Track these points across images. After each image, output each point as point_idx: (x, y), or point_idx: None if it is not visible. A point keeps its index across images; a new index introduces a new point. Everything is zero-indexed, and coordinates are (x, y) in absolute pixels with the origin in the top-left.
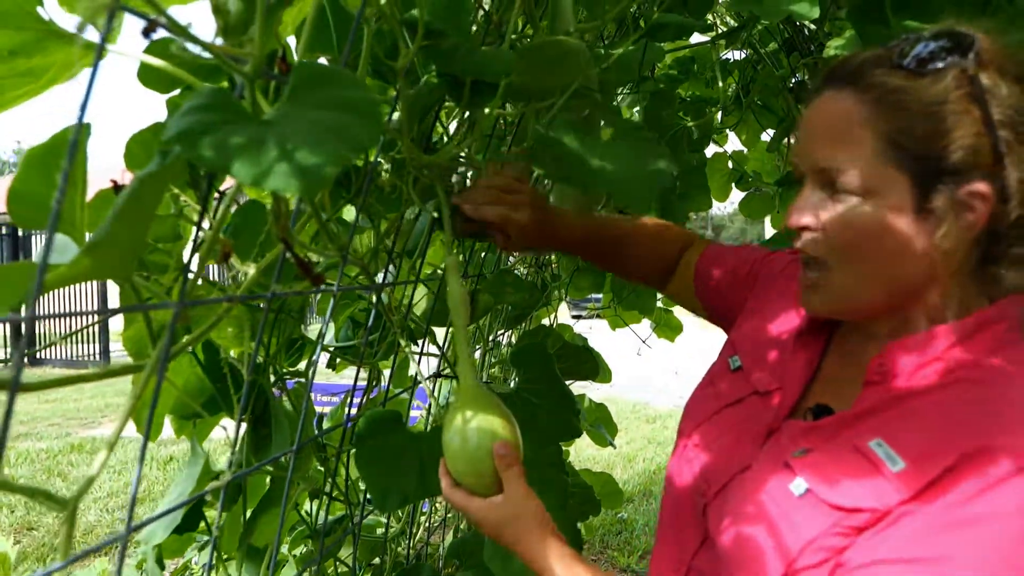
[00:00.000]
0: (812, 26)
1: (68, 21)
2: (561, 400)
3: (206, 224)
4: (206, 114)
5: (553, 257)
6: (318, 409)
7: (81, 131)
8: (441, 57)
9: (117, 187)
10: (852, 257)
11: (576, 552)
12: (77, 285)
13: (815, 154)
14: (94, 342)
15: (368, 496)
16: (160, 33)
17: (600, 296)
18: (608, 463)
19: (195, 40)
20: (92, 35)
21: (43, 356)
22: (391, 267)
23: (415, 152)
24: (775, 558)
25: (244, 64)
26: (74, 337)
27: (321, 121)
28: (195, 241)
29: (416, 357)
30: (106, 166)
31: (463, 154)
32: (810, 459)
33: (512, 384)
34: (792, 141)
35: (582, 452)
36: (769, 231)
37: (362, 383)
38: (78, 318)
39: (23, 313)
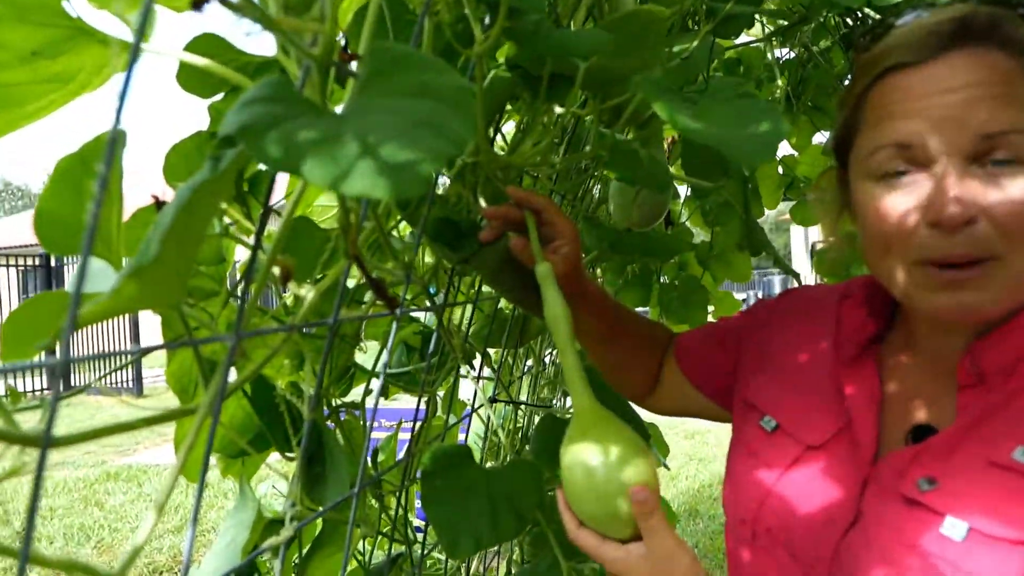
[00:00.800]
0: (875, 15)
1: (98, 17)
2: (630, 423)
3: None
4: (270, 106)
5: (599, 271)
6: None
7: (117, 138)
8: (524, 37)
9: (159, 203)
10: None
11: None
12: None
13: (977, 120)
14: (127, 367)
15: (424, 533)
16: (212, 7)
17: (647, 309)
18: None
19: (257, 13)
20: (126, 33)
21: (74, 382)
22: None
23: (491, 153)
24: None
25: (311, 47)
26: (106, 363)
27: (406, 111)
28: (249, 271)
29: (472, 381)
30: (138, 182)
31: (539, 156)
32: (946, 490)
33: (559, 406)
34: (904, 116)
35: None
36: (797, 243)
37: (412, 409)
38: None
39: (58, 351)
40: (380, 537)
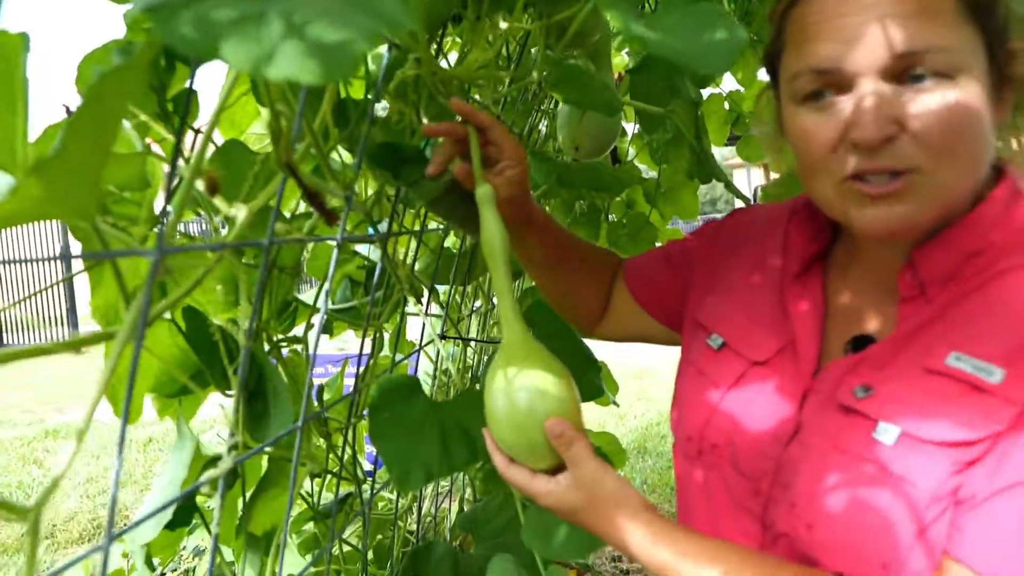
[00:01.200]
0: None
1: None
2: (581, 358)
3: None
4: None
5: (548, 208)
6: (316, 380)
7: (18, 41)
8: None
9: (70, 113)
10: (951, 153)
11: (666, 526)
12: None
13: (894, 37)
14: (62, 325)
15: (373, 473)
16: None
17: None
18: (601, 422)
19: None
20: None
21: (8, 341)
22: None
23: (435, 65)
24: (900, 523)
25: None
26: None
27: None
28: (169, 186)
29: (421, 317)
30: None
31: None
32: (881, 397)
33: None
34: (820, 38)
35: None
36: (741, 186)
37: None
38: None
39: None
40: (330, 477)
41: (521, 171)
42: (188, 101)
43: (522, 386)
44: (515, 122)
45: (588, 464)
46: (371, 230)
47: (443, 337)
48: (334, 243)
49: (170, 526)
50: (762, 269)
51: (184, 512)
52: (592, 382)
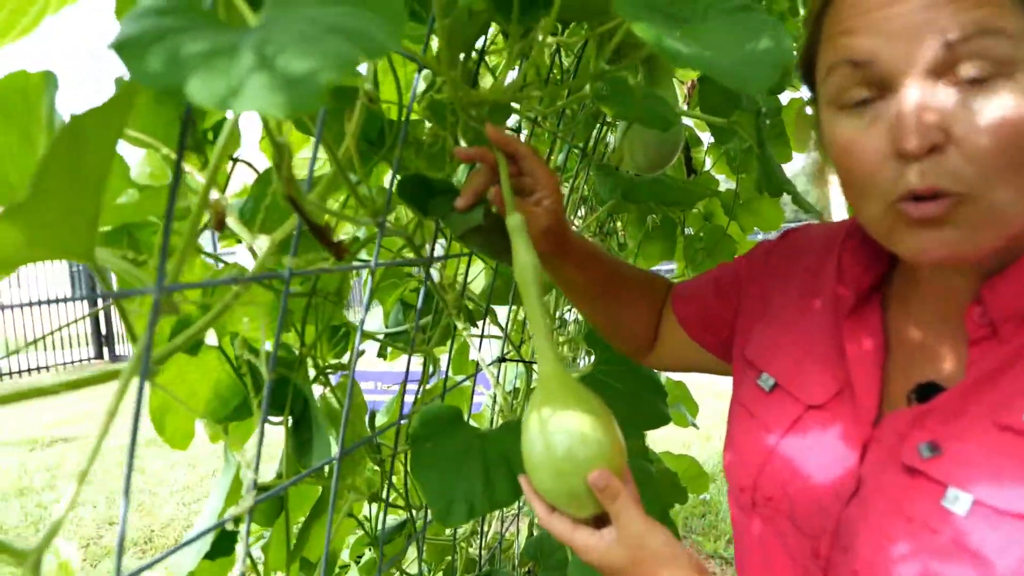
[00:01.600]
0: None
1: None
2: (646, 383)
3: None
4: (163, 18)
5: (619, 224)
6: (373, 399)
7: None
8: None
9: None
10: (1008, 169)
11: None
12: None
13: (930, 29)
14: (88, 344)
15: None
16: None
17: (673, 264)
18: (684, 443)
19: None
20: None
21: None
22: (441, 239)
23: (461, 88)
24: None
25: None
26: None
27: (320, 19)
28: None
29: (476, 341)
30: None
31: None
32: (950, 457)
33: (584, 365)
34: (856, 32)
35: (655, 432)
36: (838, 193)
37: (418, 371)
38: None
39: None
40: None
41: (555, 200)
42: (184, 130)
43: (560, 429)
44: (576, 135)
45: (634, 520)
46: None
47: (502, 360)
48: (369, 269)
49: (209, 556)
50: (816, 299)
51: (224, 541)
52: (657, 408)
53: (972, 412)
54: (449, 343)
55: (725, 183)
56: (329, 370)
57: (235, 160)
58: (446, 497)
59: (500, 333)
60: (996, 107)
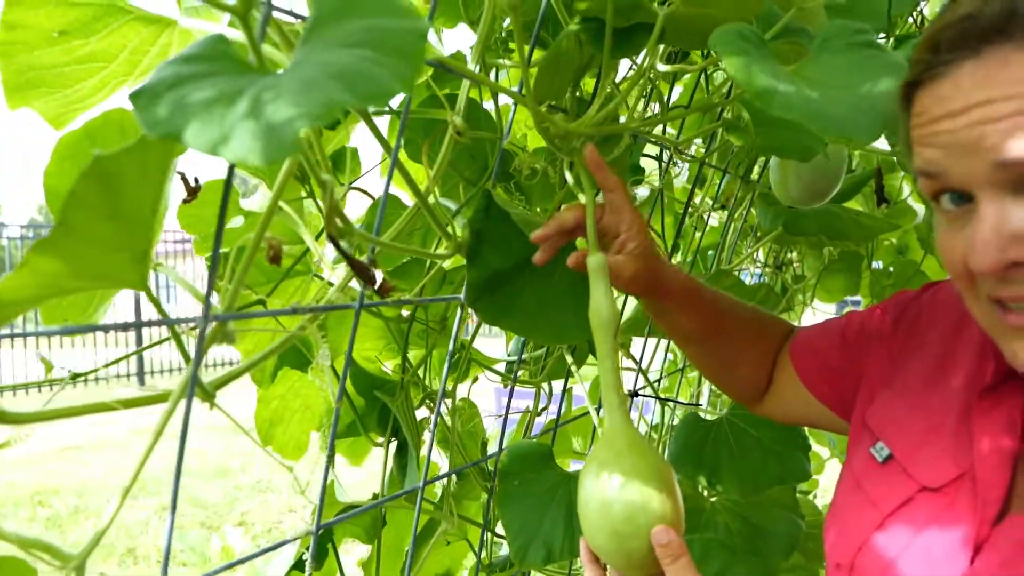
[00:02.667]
0: None
1: None
2: (787, 433)
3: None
4: (188, 66)
5: (795, 254)
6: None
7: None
8: None
9: (191, 190)
10: None
11: None
12: None
13: (998, 145)
14: (127, 359)
15: None
16: None
17: (858, 298)
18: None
19: None
20: (163, 6)
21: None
22: None
23: (546, 117)
24: None
25: None
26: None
27: (332, 63)
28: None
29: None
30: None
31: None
32: None
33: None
34: (922, 142)
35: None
36: None
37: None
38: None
39: None
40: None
41: (642, 243)
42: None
43: (621, 490)
44: (732, 163)
45: None
46: None
47: (635, 395)
48: (460, 300)
49: (298, 567)
50: (950, 370)
51: (318, 554)
52: (797, 461)
53: None
54: (565, 376)
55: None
56: (438, 395)
57: (350, 187)
58: (525, 537)
59: (634, 366)
60: None
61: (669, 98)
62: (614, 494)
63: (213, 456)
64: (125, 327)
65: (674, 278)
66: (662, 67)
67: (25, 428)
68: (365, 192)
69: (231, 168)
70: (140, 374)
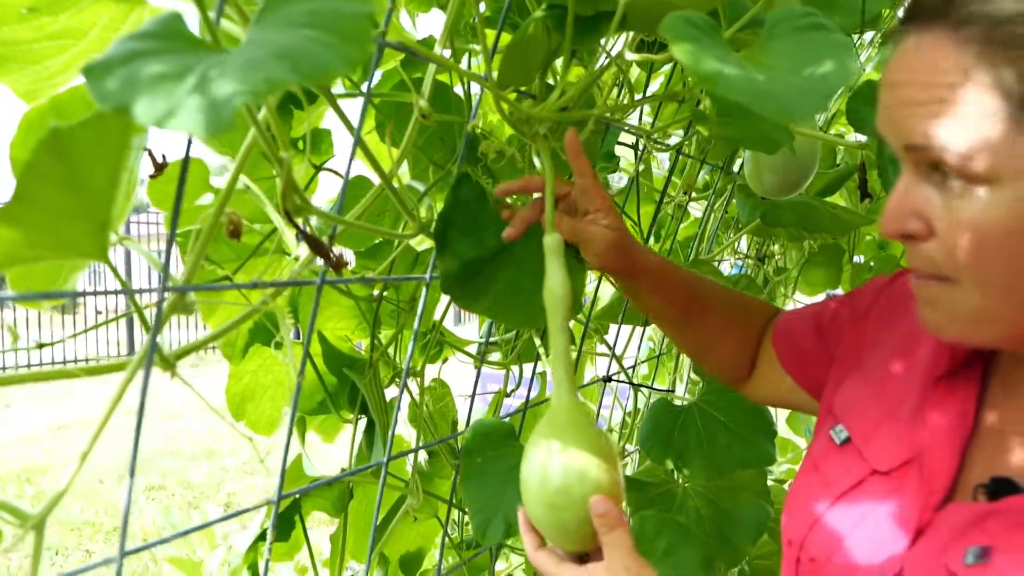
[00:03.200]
0: None
1: None
2: (753, 418)
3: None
4: (142, 42)
5: (777, 247)
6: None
7: None
8: None
9: (158, 166)
10: (985, 269)
11: None
12: None
13: (906, 127)
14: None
15: None
16: None
17: (839, 291)
18: None
19: None
20: None
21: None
22: None
23: (508, 101)
24: None
25: None
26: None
27: (278, 43)
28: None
29: (596, 358)
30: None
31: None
32: (993, 567)
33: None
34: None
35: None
36: None
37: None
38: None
39: None
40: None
41: (615, 220)
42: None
43: (560, 463)
44: (710, 153)
45: (624, 553)
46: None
47: (608, 380)
48: (425, 280)
49: (262, 538)
50: (914, 356)
51: (282, 526)
52: (761, 446)
53: None
54: (534, 359)
55: None
56: (406, 375)
57: (317, 167)
58: (487, 513)
59: (608, 352)
60: (966, 210)
61: (647, 87)
62: (551, 467)
63: (200, 437)
64: (82, 294)
65: (648, 258)
66: (630, 56)
67: None
68: (337, 173)
69: (189, 143)
70: (131, 354)
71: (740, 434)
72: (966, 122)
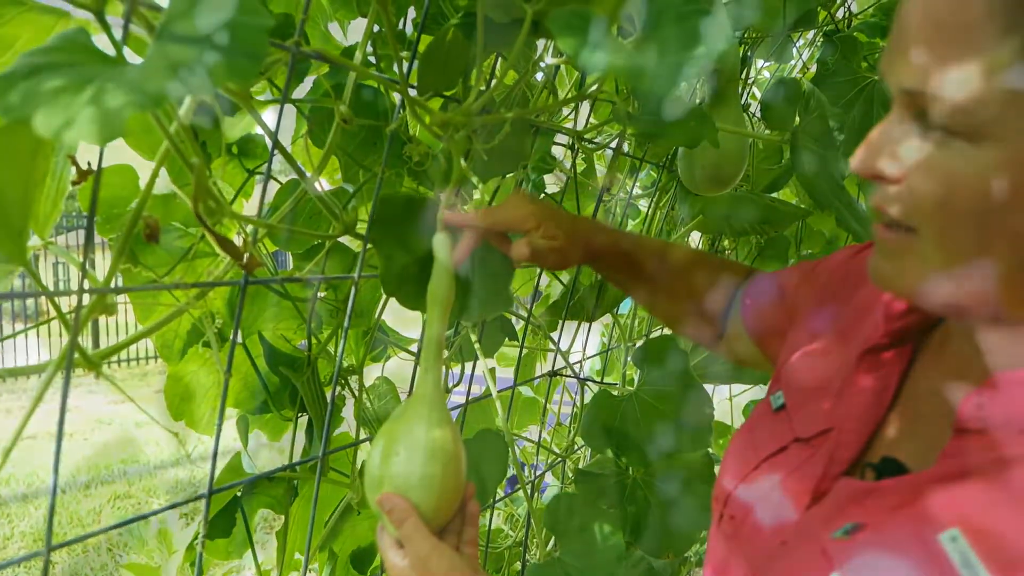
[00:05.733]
0: None
1: None
2: (691, 406)
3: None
4: (46, 56)
5: (727, 242)
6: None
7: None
8: None
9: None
10: (947, 224)
11: None
12: None
13: (904, 70)
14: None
15: None
16: None
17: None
18: None
19: None
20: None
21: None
22: None
23: (422, 105)
24: None
25: None
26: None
27: (175, 56)
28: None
29: (550, 353)
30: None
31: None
32: (856, 542)
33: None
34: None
35: None
36: None
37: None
38: None
39: None
40: None
41: (547, 228)
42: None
43: (401, 447)
44: (649, 153)
45: (419, 543)
46: None
47: (553, 374)
48: (352, 280)
49: (210, 535)
50: (857, 327)
51: (221, 522)
52: (698, 433)
53: (909, 509)
54: (523, 356)
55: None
56: (343, 372)
57: (251, 172)
58: None
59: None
60: (947, 162)
61: (582, 88)
62: (394, 454)
63: (168, 446)
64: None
65: (604, 243)
66: (550, 60)
67: None
68: (274, 178)
69: (101, 152)
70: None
71: (675, 420)
72: (962, 76)
